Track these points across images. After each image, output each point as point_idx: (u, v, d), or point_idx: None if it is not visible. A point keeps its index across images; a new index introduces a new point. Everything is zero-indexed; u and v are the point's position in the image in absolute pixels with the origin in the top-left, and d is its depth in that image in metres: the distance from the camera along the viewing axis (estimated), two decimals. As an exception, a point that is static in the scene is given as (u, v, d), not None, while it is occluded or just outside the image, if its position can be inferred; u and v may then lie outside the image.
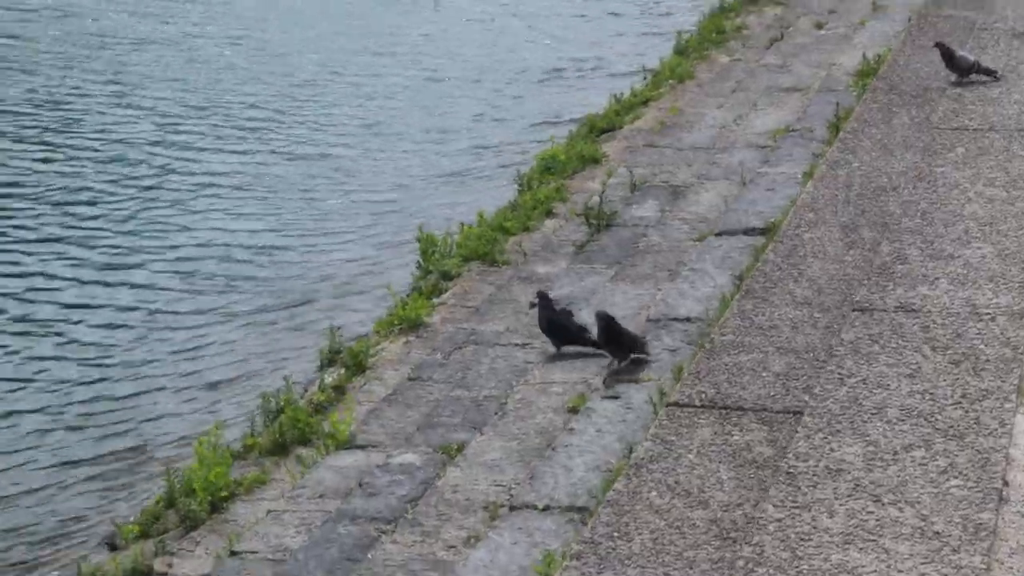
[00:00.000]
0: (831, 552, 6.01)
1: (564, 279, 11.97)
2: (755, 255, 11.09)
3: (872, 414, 7.25)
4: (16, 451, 10.94)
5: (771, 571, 5.89)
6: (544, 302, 10.67)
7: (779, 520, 6.28)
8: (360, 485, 8.93)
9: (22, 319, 13.32)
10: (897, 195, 10.96)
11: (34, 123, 18.70)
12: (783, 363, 8.52)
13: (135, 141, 18.32)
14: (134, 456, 10.78)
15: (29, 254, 14.98)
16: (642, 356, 9.93)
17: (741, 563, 5.97)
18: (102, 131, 18.53)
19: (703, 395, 8.17)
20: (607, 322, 9.98)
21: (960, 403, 7.38)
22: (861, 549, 6.02)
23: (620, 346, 9.91)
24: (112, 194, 16.58)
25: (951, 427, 7.13)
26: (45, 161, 17.57)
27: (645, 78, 18.50)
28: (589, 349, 10.27)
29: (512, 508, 8.25)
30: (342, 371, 11.06)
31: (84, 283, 14.18)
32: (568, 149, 15.39)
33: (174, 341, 12.73)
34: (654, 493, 7.17)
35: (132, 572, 8.43)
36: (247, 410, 10.81)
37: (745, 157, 14.37)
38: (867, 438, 7.00)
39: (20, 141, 18.14)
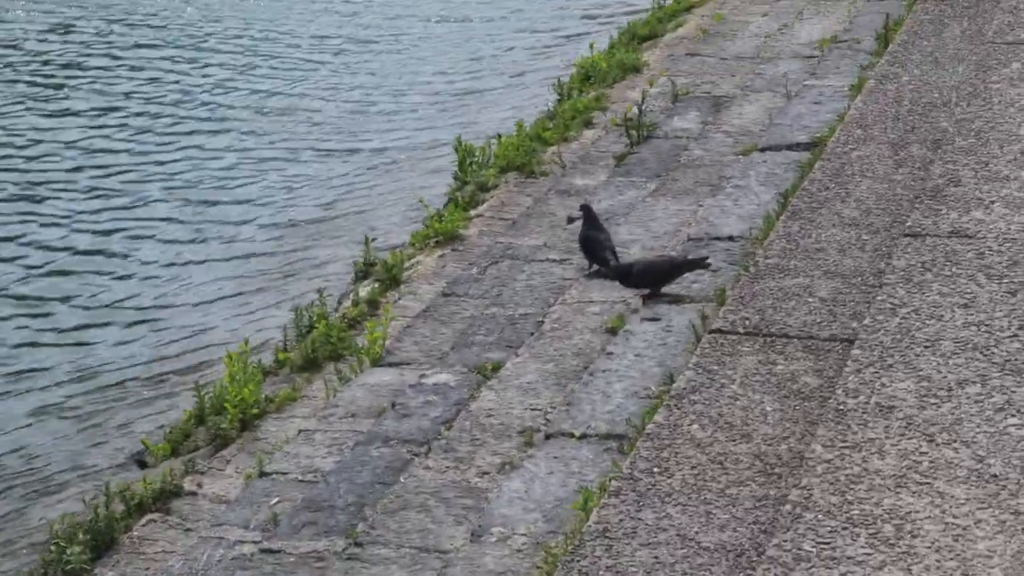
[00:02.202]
0: (883, 496, 5.77)
1: (603, 192, 11.71)
2: (801, 171, 10.80)
3: (925, 347, 6.98)
4: (42, 369, 10.79)
5: (820, 516, 5.66)
6: (587, 215, 10.38)
7: (828, 461, 6.03)
8: (393, 406, 8.73)
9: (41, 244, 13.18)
10: (949, 112, 10.63)
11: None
12: (830, 288, 8.26)
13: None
14: (165, 374, 10.62)
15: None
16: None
17: (788, 508, 5.75)
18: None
19: (747, 321, 7.92)
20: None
21: (1018, 335, 7.08)
22: (914, 493, 5.78)
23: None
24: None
25: (1008, 361, 6.83)
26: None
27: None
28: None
29: (548, 436, 8.03)
30: (376, 285, 10.87)
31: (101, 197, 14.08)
32: (608, 57, 15.09)
33: (206, 255, 12.53)
34: (696, 426, 6.93)
35: (161, 492, 8.26)
36: (280, 325, 10.61)
37: (790, 68, 14.06)
38: (920, 373, 6.74)
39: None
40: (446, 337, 9.60)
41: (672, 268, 9.32)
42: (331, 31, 19.65)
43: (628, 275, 9.06)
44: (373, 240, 11.68)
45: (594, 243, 10.19)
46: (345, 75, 17.77)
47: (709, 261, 9.19)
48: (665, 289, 9.41)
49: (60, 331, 11.46)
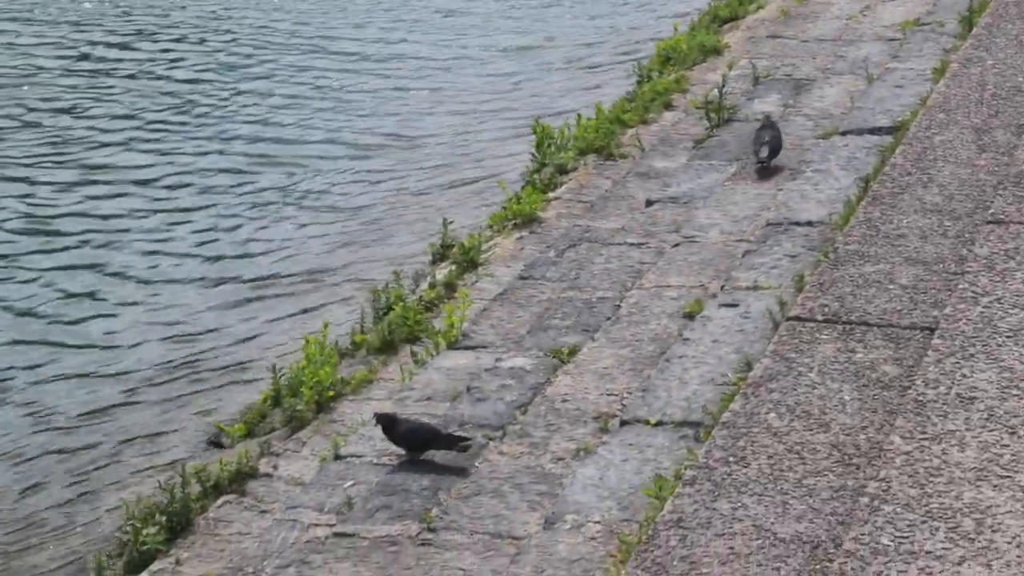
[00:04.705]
0: (963, 489, 5.69)
1: (682, 175, 11.63)
2: (882, 156, 10.66)
3: (1007, 337, 6.88)
4: (127, 352, 10.79)
5: (898, 509, 5.59)
6: (767, 121, 11.47)
7: (907, 453, 5.95)
8: (468, 389, 8.71)
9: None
10: (1034, 96, 10.48)
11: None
12: (911, 275, 8.14)
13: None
14: (243, 355, 10.61)
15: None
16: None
17: (866, 500, 5.68)
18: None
19: (825, 309, 7.82)
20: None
21: (1101, 325, 6.98)
22: (995, 486, 5.70)
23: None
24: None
25: (1092, 350, 6.74)
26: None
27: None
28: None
29: (623, 422, 7.97)
30: (453, 267, 10.85)
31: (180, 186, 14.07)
32: (689, 39, 15.00)
33: (283, 239, 12.48)
34: (772, 414, 6.86)
35: (237, 473, 8.28)
36: (357, 307, 10.61)
37: (872, 51, 13.89)
38: (1001, 363, 6.64)
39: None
40: (523, 320, 9.57)
41: (433, 438, 8.13)
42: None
43: (393, 433, 8.21)
44: (451, 223, 11.66)
45: (754, 137, 11.43)
46: (417, 74, 17.70)
47: (470, 443, 8.02)
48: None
49: (139, 320, 11.49)
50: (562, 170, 12.31)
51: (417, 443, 8.06)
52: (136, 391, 10.22)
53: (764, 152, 11.24)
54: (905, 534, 5.49)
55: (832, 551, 5.84)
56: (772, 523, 6.13)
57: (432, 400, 8.73)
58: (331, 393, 9.06)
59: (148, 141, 14.88)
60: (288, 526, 7.58)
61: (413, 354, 9.43)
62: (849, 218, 9.16)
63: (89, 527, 8.68)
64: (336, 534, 7.38)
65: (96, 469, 9.33)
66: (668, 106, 13.44)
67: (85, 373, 10.49)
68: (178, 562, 7.54)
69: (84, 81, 17.00)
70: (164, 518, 7.84)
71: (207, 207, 13.21)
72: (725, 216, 10.58)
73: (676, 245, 10.27)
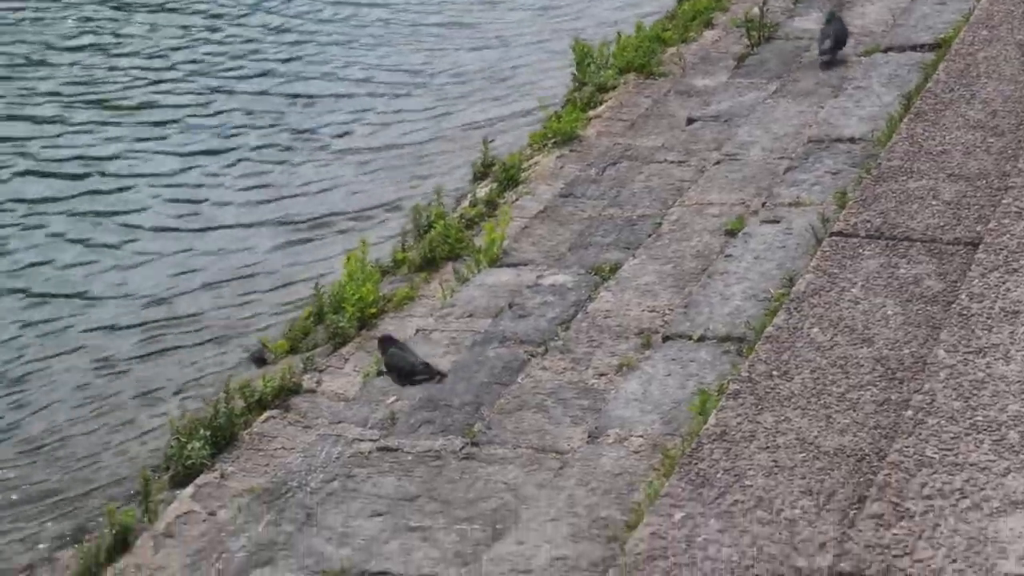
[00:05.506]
0: (1008, 402, 5.69)
1: (723, 94, 11.58)
2: (924, 73, 10.59)
3: (1051, 250, 6.88)
4: (172, 290, 10.80)
5: (942, 422, 5.59)
6: (832, 16, 11.73)
7: (951, 367, 5.95)
8: (510, 306, 8.73)
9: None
10: (1079, 11, 10.38)
11: None
12: (954, 191, 8.10)
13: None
14: (283, 274, 10.62)
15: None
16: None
17: (910, 413, 5.68)
18: None
19: (868, 224, 7.79)
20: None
21: None
22: (1040, 399, 5.72)
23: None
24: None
25: None
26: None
27: None
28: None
29: (666, 337, 7.98)
30: (494, 185, 10.85)
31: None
32: (730, -44, 14.87)
33: (326, 176, 12.42)
34: (816, 329, 6.85)
35: (280, 389, 8.34)
36: (398, 225, 10.62)
37: (916, -33, 13.75)
38: (1046, 277, 6.65)
39: None
40: (564, 238, 9.58)
41: (412, 370, 8.13)
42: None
43: (383, 355, 8.24)
44: (491, 141, 11.66)
45: (820, 32, 11.76)
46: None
47: (445, 374, 8.08)
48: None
49: (183, 232, 11.52)
50: (602, 88, 12.28)
51: (394, 372, 8.12)
52: (182, 324, 10.18)
53: (827, 44, 11.48)
54: (950, 446, 5.50)
55: (876, 463, 5.85)
56: (816, 436, 6.13)
57: (474, 317, 8.77)
58: (373, 310, 9.11)
59: (183, 82, 14.80)
60: (332, 441, 7.63)
61: (455, 271, 9.45)
62: (892, 134, 9.11)
63: (135, 442, 8.74)
64: (380, 448, 7.42)
65: (140, 383, 9.38)
66: (708, 24, 13.38)
67: (124, 293, 10.49)
68: (223, 476, 7.60)
69: (109, 23, 16.89)
70: (209, 433, 7.91)
71: (246, 147, 13.13)
72: (766, 133, 10.54)
73: (717, 163, 10.24)
